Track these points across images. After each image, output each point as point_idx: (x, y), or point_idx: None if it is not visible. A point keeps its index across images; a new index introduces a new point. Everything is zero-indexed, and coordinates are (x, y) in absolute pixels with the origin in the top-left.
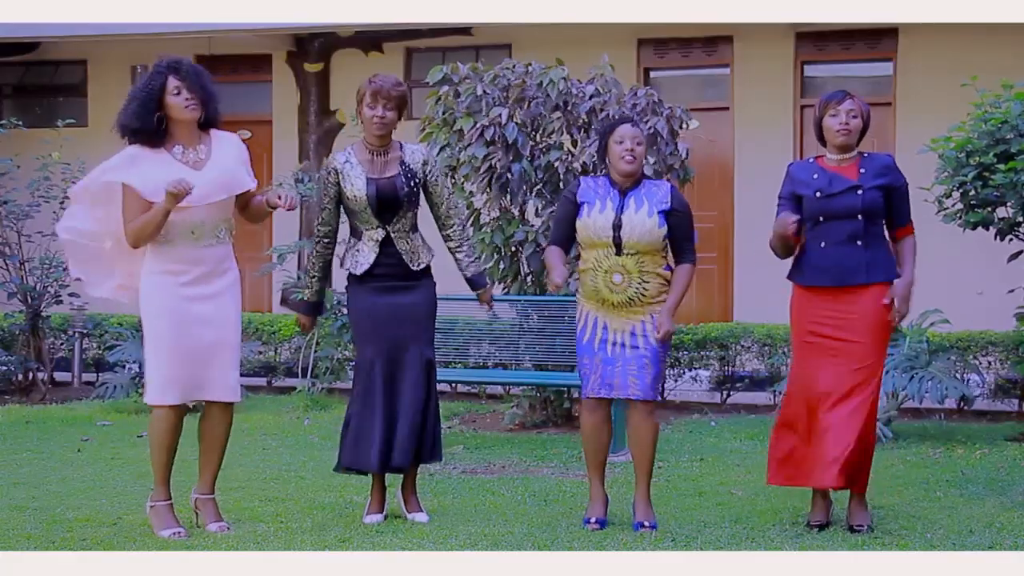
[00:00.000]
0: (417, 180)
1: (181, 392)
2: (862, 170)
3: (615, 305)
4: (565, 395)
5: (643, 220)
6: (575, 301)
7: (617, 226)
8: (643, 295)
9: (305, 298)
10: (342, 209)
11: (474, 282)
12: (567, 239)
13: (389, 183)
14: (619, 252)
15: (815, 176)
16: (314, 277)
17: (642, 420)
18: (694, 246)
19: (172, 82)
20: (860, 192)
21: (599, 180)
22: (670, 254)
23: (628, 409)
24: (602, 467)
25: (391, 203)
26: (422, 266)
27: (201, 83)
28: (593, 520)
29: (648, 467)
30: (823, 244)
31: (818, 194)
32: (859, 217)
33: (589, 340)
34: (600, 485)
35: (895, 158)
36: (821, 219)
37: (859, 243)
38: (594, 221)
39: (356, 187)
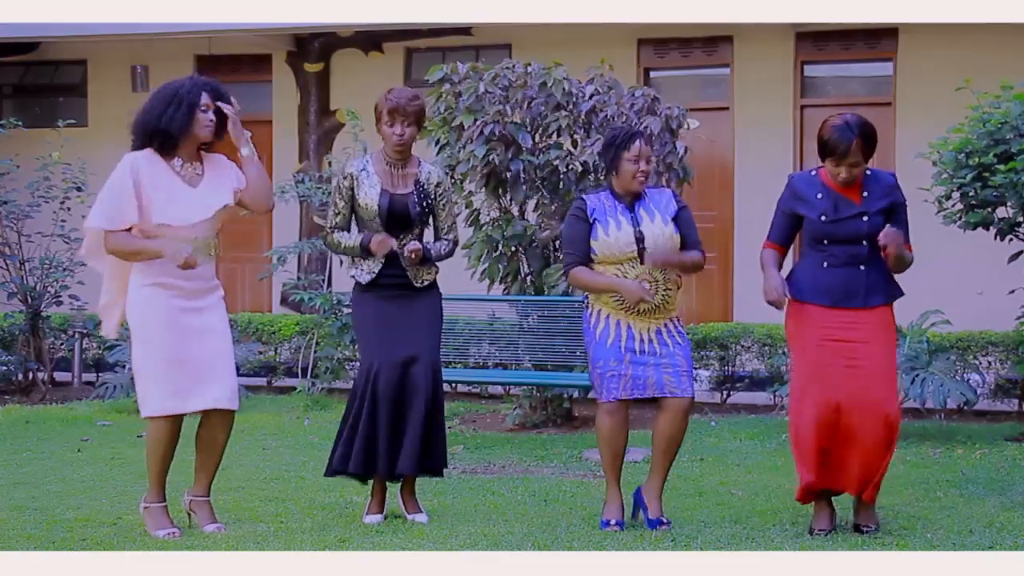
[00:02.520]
0: (429, 201)
1: (179, 402)
2: (865, 193)
3: (639, 312)
4: (566, 397)
5: (661, 230)
6: (575, 301)
7: (639, 239)
8: (667, 303)
9: (355, 243)
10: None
11: (427, 251)
12: (588, 256)
13: (402, 200)
14: (643, 262)
15: (819, 196)
16: (345, 235)
17: (677, 418)
18: (700, 242)
19: (204, 98)
20: (865, 219)
21: (600, 196)
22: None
23: (661, 408)
24: (619, 469)
25: (401, 219)
26: (425, 283)
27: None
28: (613, 522)
29: (669, 464)
30: (825, 265)
31: (823, 218)
32: (863, 243)
33: (614, 343)
34: (617, 487)
35: (895, 158)
36: (825, 242)
37: (862, 267)
38: (615, 240)
39: (369, 196)
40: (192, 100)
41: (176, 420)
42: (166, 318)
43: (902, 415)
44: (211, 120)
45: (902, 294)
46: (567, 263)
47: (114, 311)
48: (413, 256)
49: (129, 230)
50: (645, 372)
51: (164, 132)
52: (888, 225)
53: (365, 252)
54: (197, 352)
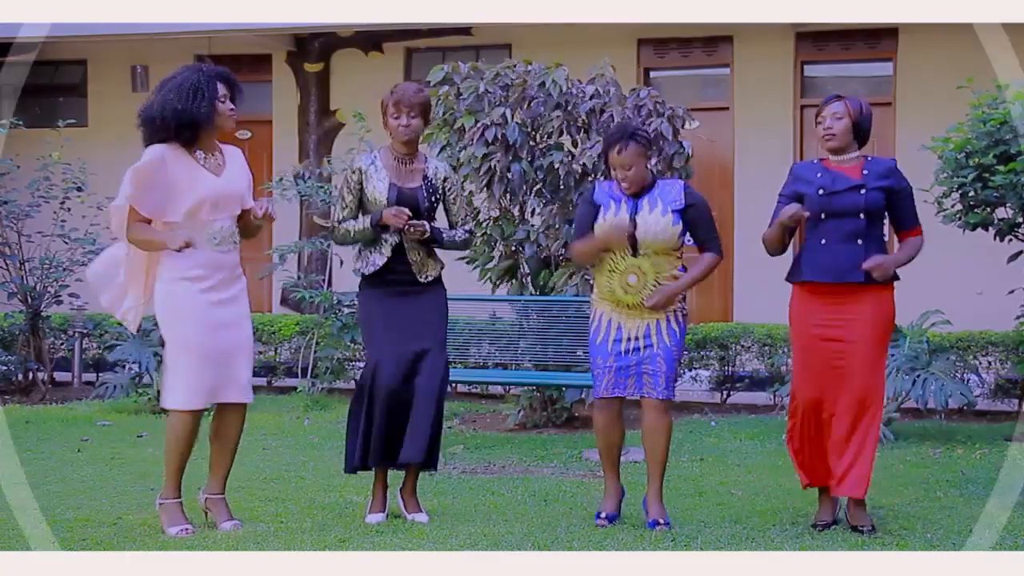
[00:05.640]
0: (437, 196)
1: (206, 396)
2: (865, 171)
3: (630, 306)
4: (568, 405)
5: (657, 220)
6: (575, 301)
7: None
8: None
9: (365, 224)
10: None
11: (436, 232)
12: None
13: (411, 193)
14: (635, 253)
15: (818, 175)
16: (353, 222)
17: (656, 418)
18: (718, 238)
19: (221, 89)
20: (863, 191)
21: (612, 184)
22: (685, 255)
23: (642, 408)
24: (616, 464)
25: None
26: (430, 278)
27: (239, 98)
28: (603, 515)
29: (661, 465)
30: (824, 241)
31: (821, 191)
32: (861, 216)
33: (603, 341)
34: (615, 481)
35: (896, 158)
36: (823, 216)
37: (859, 242)
38: (609, 224)
39: (378, 190)
40: (212, 93)
41: (198, 414)
42: (198, 314)
43: (901, 415)
44: (232, 109)
45: (898, 278)
46: (571, 245)
47: (132, 312)
48: (413, 231)
49: (149, 221)
50: (627, 372)
51: (190, 124)
52: (873, 256)
53: (377, 229)
54: (224, 346)
